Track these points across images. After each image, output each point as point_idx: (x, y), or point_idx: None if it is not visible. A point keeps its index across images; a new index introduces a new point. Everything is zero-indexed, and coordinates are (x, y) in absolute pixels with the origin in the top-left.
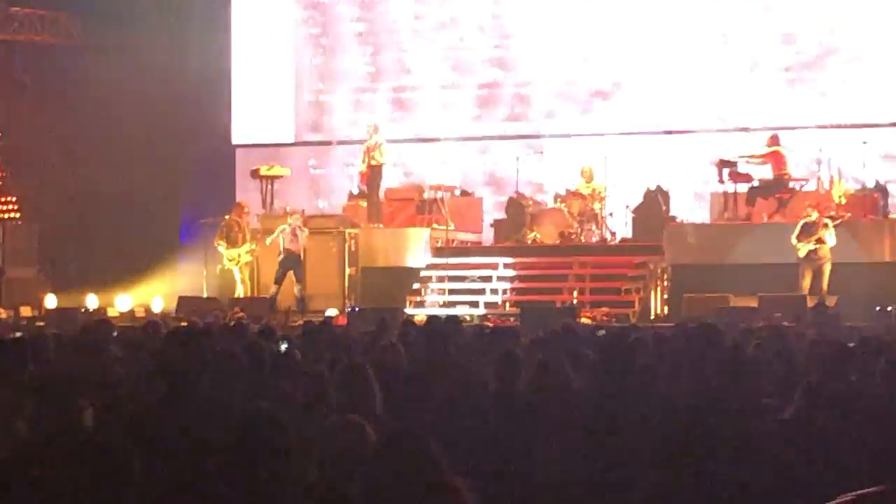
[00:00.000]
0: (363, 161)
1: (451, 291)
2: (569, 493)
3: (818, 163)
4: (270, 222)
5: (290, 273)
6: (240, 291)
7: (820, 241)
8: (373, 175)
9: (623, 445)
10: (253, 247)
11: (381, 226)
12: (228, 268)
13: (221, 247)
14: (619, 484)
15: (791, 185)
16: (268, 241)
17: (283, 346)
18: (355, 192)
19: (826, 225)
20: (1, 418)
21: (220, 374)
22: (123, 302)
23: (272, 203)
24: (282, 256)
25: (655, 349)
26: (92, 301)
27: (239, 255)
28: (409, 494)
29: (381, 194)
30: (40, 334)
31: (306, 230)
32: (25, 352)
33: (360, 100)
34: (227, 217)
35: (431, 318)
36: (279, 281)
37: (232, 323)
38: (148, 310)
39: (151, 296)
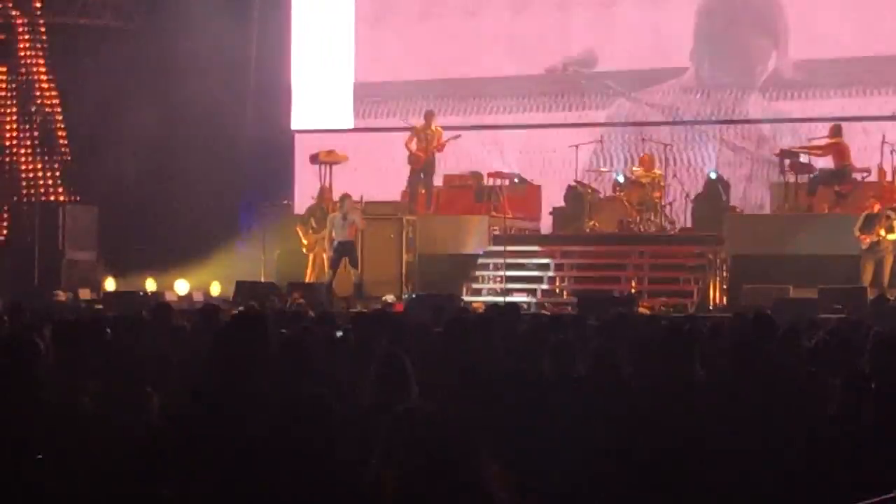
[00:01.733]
0: (416, 146)
1: (509, 279)
2: (614, 484)
3: (882, 153)
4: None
5: (346, 260)
6: (310, 278)
7: (883, 232)
8: (428, 162)
9: (673, 436)
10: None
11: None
12: (304, 253)
13: (301, 231)
14: (665, 474)
15: (853, 176)
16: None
17: (339, 333)
18: (408, 177)
19: (889, 217)
20: (67, 397)
21: (278, 361)
22: (181, 286)
23: (331, 188)
24: (335, 243)
25: (711, 339)
26: (150, 285)
27: (316, 241)
28: (443, 485)
29: (438, 182)
30: (99, 317)
31: (355, 216)
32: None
33: (418, 85)
34: (313, 200)
35: (489, 306)
36: (334, 267)
37: (291, 309)
38: (206, 294)
39: (209, 280)
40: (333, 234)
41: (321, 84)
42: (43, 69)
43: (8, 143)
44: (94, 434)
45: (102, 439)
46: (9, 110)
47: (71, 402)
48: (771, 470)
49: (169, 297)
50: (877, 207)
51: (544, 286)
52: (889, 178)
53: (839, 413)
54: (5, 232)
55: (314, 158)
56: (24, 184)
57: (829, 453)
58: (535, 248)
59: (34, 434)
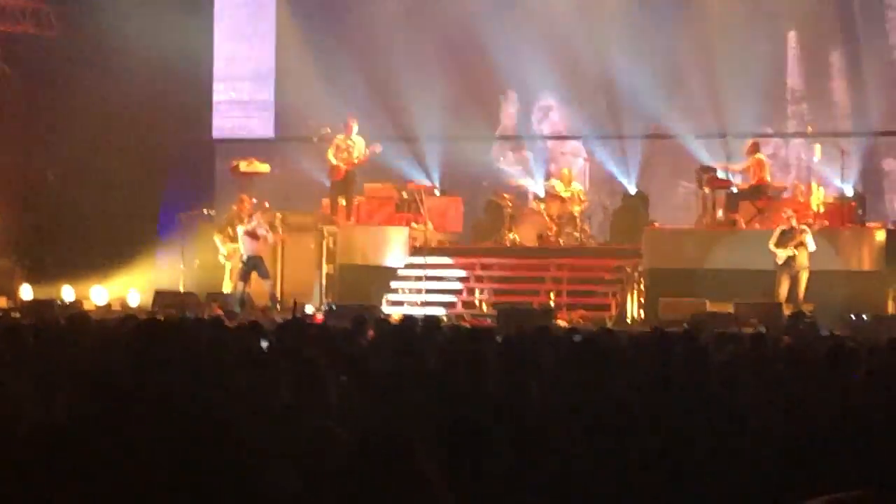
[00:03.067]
0: (336, 157)
1: (429, 291)
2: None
3: (796, 171)
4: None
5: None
6: (228, 287)
7: (799, 246)
8: (349, 173)
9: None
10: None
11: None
12: (222, 262)
13: (219, 239)
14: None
15: (770, 192)
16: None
17: (264, 343)
18: (328, 186)
19: (804, 231)
20: None
21: (194, 369)
22: (99, 294)
23: (250, 198)
24: (245, 257)
25: (630, 354)
26: (68, 293)
27: (235, 251)
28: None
29: (357, 192)
30: (18, 325)
31: (263, 230)
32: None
33: (340, 96)
34: (232, 209)
35: (407, 318)
36: (244, 278)
37: (208, 318)
38: (124, 303)
39: (128, 289)
40: (241, 248)
41: (243, 92)
42: None
43: None
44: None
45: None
46: None
47: None
48: (694, 484)
49: (87, 305)
50: (792, 223)
51: (464, 298)
52: (805, 194)
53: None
54: None
55: (234, 169)
56: None
57: (753, 466)
58: (455, 260)
59: None
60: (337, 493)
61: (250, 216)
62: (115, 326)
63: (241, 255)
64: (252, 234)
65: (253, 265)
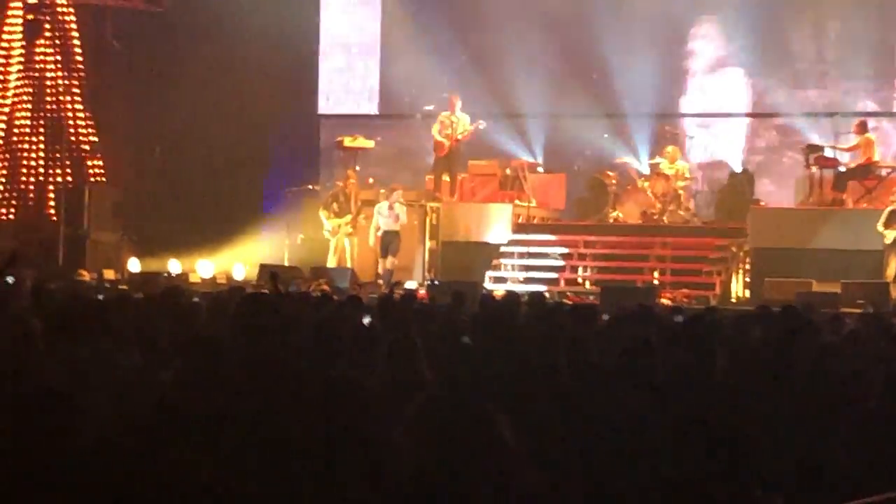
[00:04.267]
0: (440, 133)
1: (532, 268)
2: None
3: None
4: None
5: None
6: (332, 262)
7: None
8: (453, 150)
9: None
10: (361, 217)
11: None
12: (327, 238)
13: (324, 215)
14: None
15: (878, 171)
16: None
17: (367, 319)
18: (432, 163)
19: None
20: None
21: (302, 342)
22: (205, 268)
23: (356, 174)
24: (381, 232)
25: (735, 332)
26: (174, 266)
27: (340, 226)
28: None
29: (461, 169)
30: (125, 295)
31: (401, 210)
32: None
33: (444, 72)
34: (337, 184)
35: (510, 293)
36: (384, 255)
37: (316, 293)
38: (229, 277)
39: (233, 263)
40: (379, 222)
41: (349, 68)
42: (77, 49)
43: (27, 127)
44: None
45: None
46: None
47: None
48: (805, 463)
49: (192, 278)
50: None
51: (566, 275)
52: None
53: (879, 406)
54: (31, 213)
55: (339, 144)
56: (43, 165)
57: (869, 445)
58: (558, 237)
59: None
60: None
61: (391, 192)
62: (223, 298)
63: (378, 231)
64: (392, 210)
65: (389, 240)
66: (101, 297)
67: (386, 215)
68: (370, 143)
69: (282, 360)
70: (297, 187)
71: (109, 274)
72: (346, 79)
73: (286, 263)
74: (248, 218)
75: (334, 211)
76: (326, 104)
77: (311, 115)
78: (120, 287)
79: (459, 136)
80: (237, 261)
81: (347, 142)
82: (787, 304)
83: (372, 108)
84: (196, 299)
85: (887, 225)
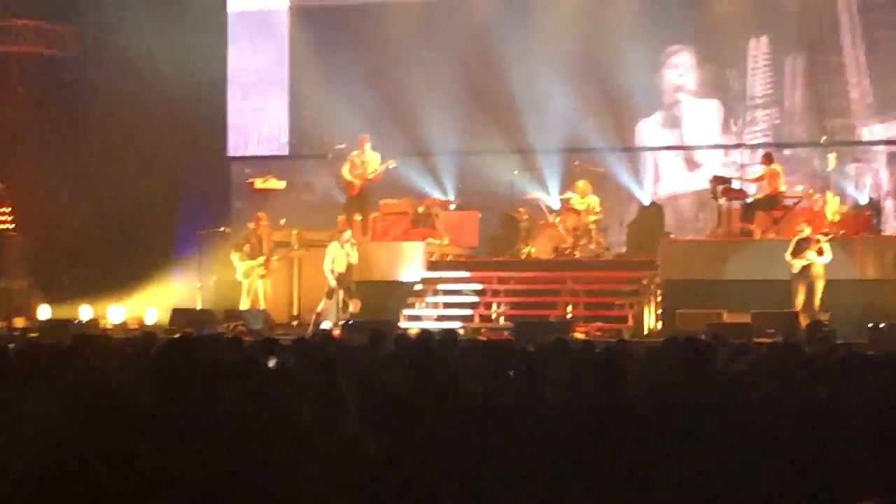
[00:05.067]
0: (350, 173)
1: (446, 305)
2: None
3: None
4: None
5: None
6: (245, 304)
7: (814, 256)
8: (364, 189)
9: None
10: (274, 258)
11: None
12: (239, 280)
13: (236, 257)
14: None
15: (785, 202)
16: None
17: (272, 361)
18: (343, 203)
19: (820, 241)
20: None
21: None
22: (116, 313)
23: (267, 215)
24: (336, 273)
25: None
26: (85, 312)
27: (252, 268)
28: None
29: (373, 208)
30: (35, 344)
31: (354, 247)
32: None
33: (354, 112)
34: (249, 226)
35: (424, 332)
36: (335, 296)
37: (229, 335)
38: (141, 322)
39: (145, 307)
40: (333, 264)
41: (258, 110)
42: None
43: None
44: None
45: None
46: None
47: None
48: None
49: (104, 324)
50: (807, 232)
51: (481, 312)
52: (820, 204)
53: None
54: None
55: (250, 186)
56: None
57: (778, 472)
58: (471, 274)
59: None
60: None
61: (341, 232)
62: (136, 343)
63: (333, 273)
64: (342, 251)
65: (347, 282)
66: (11, 345)
67: (342, 256)
68: (281, 184)
69: (194, 404)
70: (208, 230)
71: (20, 322)
72: (256, 119)
73: (199, 307)
74: (159, 262)
75: (246, 253)
76: (236, 145)
77: (221, 157)
78: (30, 335)
79: (370, 176)
80: (149, 305)
81: (258, 183)
82: (695, 335)
83: (282, 148)
84: (109, 344)
85: (795, 254)
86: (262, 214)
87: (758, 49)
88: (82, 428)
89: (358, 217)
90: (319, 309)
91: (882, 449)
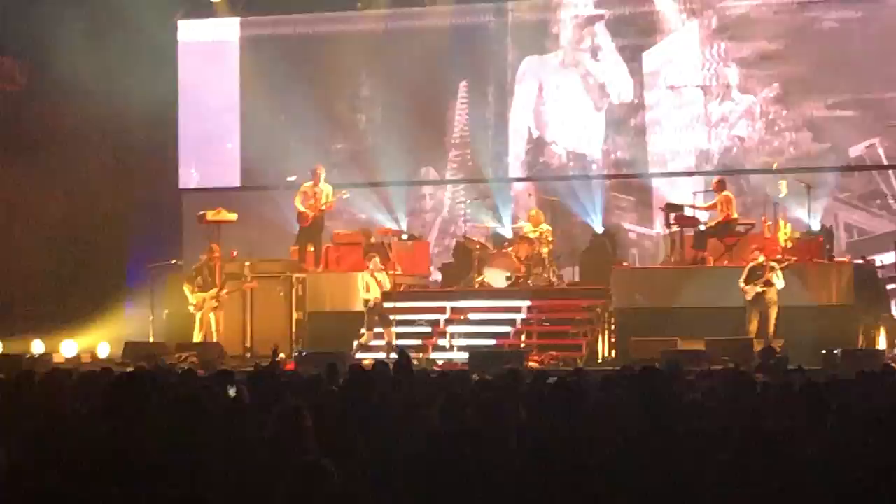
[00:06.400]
0: (303, 204)
1: (399, 335)
2: None
3: (764, 207)
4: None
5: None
6: (198, 337)
7: (767, 283)
8: (316, 220)
9: (557, 489)
10: (225, 290)
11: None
12: (192, 312)
13: (188, 290)
14: None
15: (737, 229)
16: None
17: (232, 391)
18: (296, 234)
19: (773, 268)
20: None
21: (169, 419)
22: (69, 347)
23: (219, 247)
24: (371, 303)
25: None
26: (37, 347)
27: (204, 300)
28: None
29: (325, 239)
30: None
31: (384, 274)
32: None
33: (306, 144)
34: (201, 258)
35: (378, 363)
36: (387, 325)
37: (182, 368)
38: (94, 355)
39: (97, 341)
40: (367, 293)
41: (209, 143)
42: None
43: None
44: None
45: None
46: None
47: None
48: None
49: (56, 358)
50: (761, 259)
51: (434, 342)
52: (772, 230)
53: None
54: None
55: (202, 218)
56: None
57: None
58: (425, 304)
59: None
60: None
61: (369, 260)
62: (88, 378)
63: (368, 303)
64: (373, 278)
65: (379, 310)
66: None
67: (373, 284)
68: (233, 216)
69: (145, 437)
70: (160, 262)
71: None
72: (208, 151)
73: (151, 339)
74: (111, 295)
75: (199, 285)
76: (188, 177)
77: (172, 189)
78: None
79: (323, 207)
80: (102, 339)
81: (210, 215)
82: (649, 363)
83: (234, 180)
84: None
85: (748, 281)
86: (214, 246)
87: None
88: (27, 461)
89: (311, 248)
90: (363, 340)
91: (833, 477)
